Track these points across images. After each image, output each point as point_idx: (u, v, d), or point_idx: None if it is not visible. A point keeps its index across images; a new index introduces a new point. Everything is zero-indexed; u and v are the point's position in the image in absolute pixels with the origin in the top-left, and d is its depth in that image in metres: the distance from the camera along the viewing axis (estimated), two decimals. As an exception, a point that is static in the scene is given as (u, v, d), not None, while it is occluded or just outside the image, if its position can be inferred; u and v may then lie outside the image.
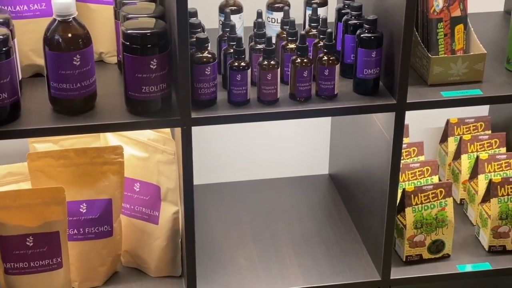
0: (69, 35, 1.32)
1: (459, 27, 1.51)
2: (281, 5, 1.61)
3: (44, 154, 1.48)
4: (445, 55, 1.50)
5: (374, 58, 1.44)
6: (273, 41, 1.50)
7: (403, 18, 1.38)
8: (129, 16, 1.40)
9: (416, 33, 1.49)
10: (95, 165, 1.50)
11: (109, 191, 1.52)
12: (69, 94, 1.35)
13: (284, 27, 1.53)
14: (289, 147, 1.96)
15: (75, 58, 1.32)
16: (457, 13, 1.50)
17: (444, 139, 1.89)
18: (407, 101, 1.45)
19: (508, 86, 1.50)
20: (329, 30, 1.45)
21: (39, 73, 1.50)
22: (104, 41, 1.55)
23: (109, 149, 1.51)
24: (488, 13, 1.81)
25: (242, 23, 1.61)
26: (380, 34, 1.44)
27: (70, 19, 1.32)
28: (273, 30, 1.60)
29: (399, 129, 1.47)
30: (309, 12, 1.58)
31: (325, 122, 1.91)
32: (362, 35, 1.44)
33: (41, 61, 1.43)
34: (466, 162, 1.80)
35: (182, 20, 1.32)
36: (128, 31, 1.34)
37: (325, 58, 1.45)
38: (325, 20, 1.50)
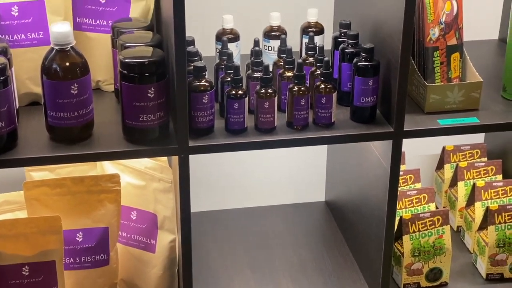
0: (67, 63, 1.33)
1: (455, 56, 1.52)
2: (278, 33, 1.61)
3: (40, 183, 1.48)
4: (442, 83, 1.51)
5: (371, 86, 1.45)
6: (270, 69, 1.50)
7: (400, 47, 1.39)
8: (127, 44, 1.40)
9: (413, 61, 1.50)
10: (92, 193, 1.49)
11: (105, 220, 1.51)
12: (66, 122, 1.35)
13: (281, 55, 1.53)
14: (286, 174, 1.96)
15: (72, 86, 1.32)
16: (453, 41, 1.51)
17: (440, 166, 1.89)
18: (404, 129, 1.45)
19: (504, 114, 1.50)
20: (326, 58, 1.46)
21: (37, 101, 1.50)
22: (102, 69, 1.55)
23: (105, 177, 1.50)
24: (483, 41, 1.82)
25: (239, 51, 1.62)
26: (377, 62, 1.45)
27: (68, 48, 1.32)
28: (270, 58, 1.61)
29: (397, 157, 1.48)
30: (305, 40, 1.59)
31: (322, 149, 1.91)
32: (359, 64, 1.45)
33: (38, 89, 1.43)
34: (462, 189, 1.80)
35: (180, 48, 1.32)
36: (126, 60, 1.34)
37: (322, 86, 1.45)
38: (322, 48, 1.51)
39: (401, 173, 1.78)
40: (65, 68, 1.32)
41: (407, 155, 1.88)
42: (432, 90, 1.49)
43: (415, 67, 1.50)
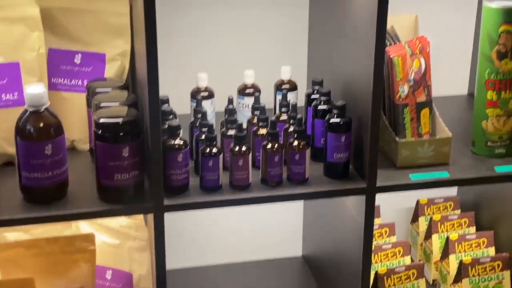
0: (41, 125, 1.34)
1: (425, 112, 1.55)
2: (252, 90, 1.64)
3: (14, 245, 1.47)
4: (413, 139, 1.53)
5: (343, 142, 1.47)
6: (244, 126, 1.52)
7: (371, 104, 1.41)
8: (101, 104, 1.42)
9: (384, 117, 1.53)
10: (67, 253, 1.48)
11: (80, 280, 1.50)
12: (40, 183, 1.35)
13: (255, 112, 1.55)
14: (262, 229, 1.96)
15: (46, 147, 1.33)
16: (422, 98, 1.55)
17: (415, 219, 1.91)
18: (377, 185, 1.47)
19: (474, 169, 1.53)
20: (299, 116, 1.48)
21: (11, 161, 1.50)
22: (76, 128, 1.56)
23: (80, 237, 1.50)
24: (453, 97, 1.86)
25: (213, 108, 1.64)
26: (348, 119, 1.48)
27: (42, 109, 1.34)
28: (244, 115, 1.63)
29: (370, 212, 1.49)
30: (279, 97, 1.62)
31: (298, 203, 1.92)
32: (331, 120, 1.47)
33: (12, 150, 1.43)
34: (437, 242, 1.82)
35: (154, 108, 1.34)
36: (100, 120, 1.36)
37: (296, 143, 1.47)
38: (295, 106, 1.53)
39: (376, 226, 1.80)
40: (39, 129, 1.33)
41: (382, 208, 1.89)
42: (403, 145, 1.51)
43: (387, 123, 1.53)
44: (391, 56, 1.49)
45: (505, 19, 1.48)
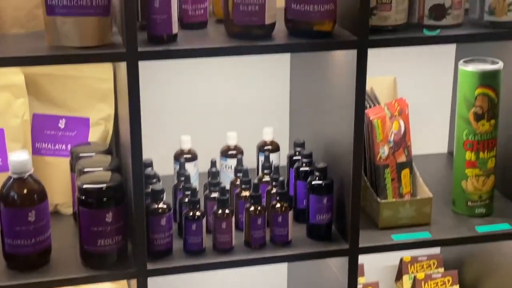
0: (25, 191, 1.34)
1: (405, 172, 1.58)
2: (235, 152, 1.66)
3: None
4: (394, 200, 1.55)
5: (325, 204, 1.49)
6: (228, 187, 1.54)
7: (352, 165, 1.43)
8: (85, 170, 1.43)
9: (365, 178, 1.55)
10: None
11: None
12: (23, 250, 1.35)
13: (238, 174, 1.57)
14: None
15: (30, 214, 1.34)
16: (402, 158, 1.57)
17: (399, 277, 1.91)
18: (359, 246, 1.48)
19: (455, 229, 1.54)
20: (281, 178, 1.50)
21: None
22: (60, 193, 1.56)
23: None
24: (433, 155, 1.89)
25: (197, 170, 1.65)
26: (330, 181, 1.49)
27: (26, 176, 1.34)
28: (227, 176, 1.64)
29: (353, 273, 1.50)
30: (262, 158, 1.63)
31: (282, 264, 1.92)
32: (313, 182, 1.49)
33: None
34: (421, 300, 1.82)
35: (137, 172, 1.35)
36: (84, 186, 1.36)
37: (278, 205, 1.48)
38: (277, 168, 1.55)
39: (360, 286, 1.80)
40: (22, 196, 1.34)
41: (366, 266, 1.90)
42: (384, 206, 1.53)
43: (368, 183, 1.55)
44: (371, 118, 1.52)
45: (480, 82, 1.52)
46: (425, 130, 1.85)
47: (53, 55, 1.28)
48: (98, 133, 1.58)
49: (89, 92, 1.56)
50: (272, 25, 1.38)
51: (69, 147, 1.56)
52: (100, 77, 1.55)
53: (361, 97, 1.41)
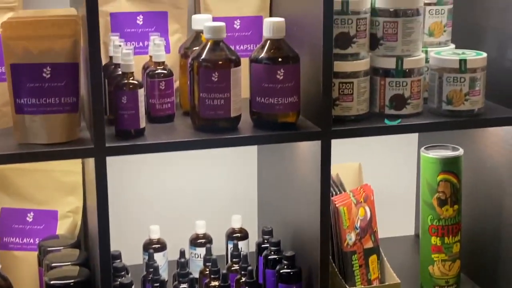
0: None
1: (373, 258, 1.59)
2: (204, 240, 1.67)
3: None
4: (362, 286, 1.56)
5: (294, 292, 1.49)
6: (197, 276, 1.54)
7: (319, 253, 1.45)
8: (53, 264, 1.43)
9: (333, 264, 1.56)
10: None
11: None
12: None
13: (207, 264, 1.57)
14: None
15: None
16: (369, 244, 1.59)
17: None
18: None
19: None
20: (250, 268, 1.51)
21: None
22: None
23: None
24: (400, 237, 1.91)
25: (166, 259, 1.65)
26: (298, 269, 1.50)
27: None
28: (196, 265, 1.64)
29: None
30: (230, 245, 1.64)
31: None
32: (281, 271, 1.50)
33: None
34: None
35: (105, 267, 1.35)
36: (51, 282, 1.36)
37: (247, 295, 1.49)
38: (245, 257, 1.55)
39: None
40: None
41: None
42: (352, 293, 1.54)
43: (336, 270, 1.56)
44: (337, 206, 1.54)
45: (442, 168, 1.56)
46: (392, 213, 1.88)
47: (21, 153, 1.30)
48: (66, 225, 1.58)
49: (57, 185, 1.57)
50: (238, 117, 1.42)
51: (37, 240, 1.55)
52: (69, 170, 1.57)
53: (326, 185, 1.43)
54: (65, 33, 1.29)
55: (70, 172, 1.57)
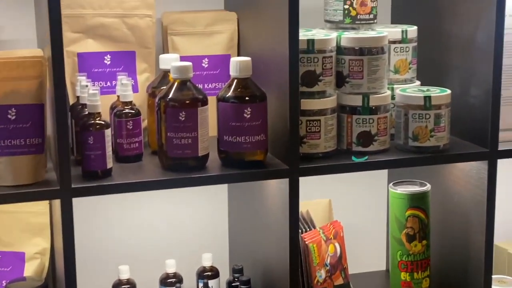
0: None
1: (342, 298, 1.59)
2: (174, 279, 1.65)
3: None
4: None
5: (265, 332, 1.48)
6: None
7: (288, 290, 1.45)
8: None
9: (304, 302, 1.56)
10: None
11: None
12: None
13: (177, 305, 1.56)
14: None
15: None
16: (339, 281, 1.59)
17: None
18: None
19: None
20: (219, 307, 1.50)
21: None
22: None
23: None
24: (371, 273, 1.91)
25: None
26: (269, 308, 1.50)
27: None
28: (168, 305, 1.63)
29: None
30: (201, 284, 1.63)
31: None
32: (252, 310, 1.49)
33: None
34: None
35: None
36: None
37: (217, 335, 1.47)
38: (215, 296, 1.55)
39: None
40: None
41: None
42: (324, 331, 1.53)
43: (307, 308, 1.56)
44: (306, 243, 1.54)
45: (410, 203, 1.57)
46: (363, 249, 1.88)
47: (-15, 195, 1.29)
48: (33, 267, 1.56)
49: (24, 227, 1.55)
50: (206, 156, 1.42)
51: (4, 283, 1.53)
52: (36, 211, 1.55)
53: (295, 222, 1.43)
54: (30, 75, 1.29)
55: (37, 213, 1.55)
